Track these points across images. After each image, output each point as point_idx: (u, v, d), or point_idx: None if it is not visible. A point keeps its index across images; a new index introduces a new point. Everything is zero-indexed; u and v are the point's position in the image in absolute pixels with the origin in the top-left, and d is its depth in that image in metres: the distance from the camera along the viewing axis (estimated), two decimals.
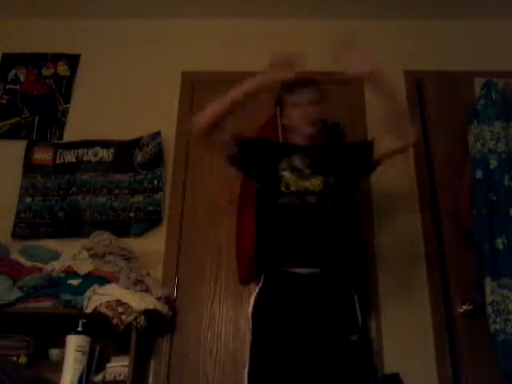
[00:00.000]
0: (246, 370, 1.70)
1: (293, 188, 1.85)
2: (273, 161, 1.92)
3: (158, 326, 2.18)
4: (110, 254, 2.22)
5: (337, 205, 1.86)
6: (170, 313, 2.21)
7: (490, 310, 2.07)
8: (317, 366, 1.67)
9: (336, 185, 1.88)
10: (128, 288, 2.07)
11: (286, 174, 1.87)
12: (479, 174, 2.25)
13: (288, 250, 1.80)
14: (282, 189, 1.85)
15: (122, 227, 2.46)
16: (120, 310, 1.98)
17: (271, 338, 1.71)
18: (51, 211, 2.52)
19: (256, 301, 1.80)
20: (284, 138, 2.14)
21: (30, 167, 2.63)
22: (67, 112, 2.77)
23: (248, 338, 1.77)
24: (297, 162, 1.91)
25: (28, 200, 2.55)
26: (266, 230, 1.89)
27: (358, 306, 1.78)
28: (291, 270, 1.77)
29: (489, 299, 2.08)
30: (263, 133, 2.47)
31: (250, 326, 1.77)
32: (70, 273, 2.12)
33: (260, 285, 1.82)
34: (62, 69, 2.87)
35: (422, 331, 2.26)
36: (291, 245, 1.80)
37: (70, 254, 2.19)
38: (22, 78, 2.86)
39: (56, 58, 2.90)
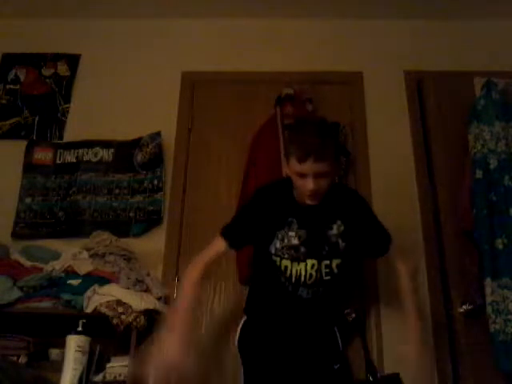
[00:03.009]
0: None
1: (286, 274, 1.76)
2: (265, 237, 1.77)
3: (158, 325, 2.18)
4: (110, 254, 2.21)
5: (336, 280, 1.80)
6: None
7: (489, 310, 2.07)
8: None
9: (341, 266, 1.78)
10: (128, 288, 2.07)
11: (277, 258, 1.75)
12: (479, 173, 2.25)
13: (275, 326, 1.83)
14: (281, 279, 1.78)
15: (122, 227, 2.46)
16: (120, 309, 1.98)
17: (261, 369, 1.77)
18: (51, 211, 2.52)
19: (240, 334, 1.87)
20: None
21: (30, 167, 2.63)
22: (67, 112, 2.77)
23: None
24: (291, 235, 1.75)
25: (28, 200, 2.55)
26: (259, 282, 1.91)
27: (340, 340, 1.87)
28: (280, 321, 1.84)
29: (489, 299, 2.08)
30: (263, 134, 2.48)
31: (239, 355, 1.86)
32: (70, 273, 2.13)
33: (243, 320, 1.89)
34: (62, 69, 2.87)
35: (422, 331, 2.25)
36: (279, 321, 1.83)
37: (70, 254, 2.19)
38: (22, 78, 2.86)
39: (56, 57, 2.90)
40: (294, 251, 1.75)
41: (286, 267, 1.75)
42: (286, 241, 1.75)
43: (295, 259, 1.74)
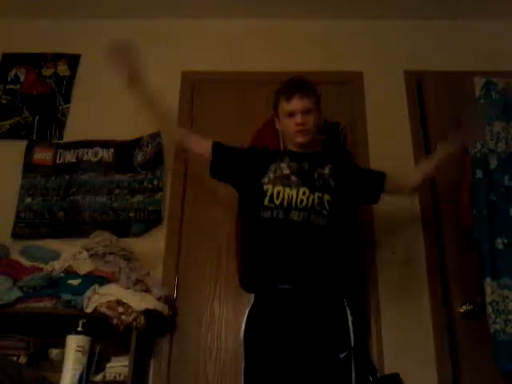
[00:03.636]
0: None
1: (277, 201, 1.80)
2: (257, 171, 1.88)
3: (158, 325, 2.18)
4: (110, 253, 2.22)
5: (330, 225, 1.80)
6: (170, 313, 2.21)
7: (489, 310, 2.07)
8: (303, 379, 1.66)
9: (332, 205, 1.82)
10: (128, 288, 2.07)
11: (269, 186, 1.83)
12: (479, 174, 2.25)
13: (273, 267, 1.77)
14: (266, 202, 1.81)
15: (121, 227, 2.46)
16: (120, 310, 1.98)
17: (263, 360, 1.70)
18: (51, 211, 2.52)
19: (247, 322, 1.79)
20: (282, 143, 2.12)
21: (30, 167, 2.63)
22: (67, 112, 2.77)
23: (241, 358, 1.77)
24: (284, 166, 1.88)
25: (28, 200, 2.55)
26: (250, 246, 1.87)
27: (350, 322, 1.75)
28: (280, 287, 1.74)
29: (489, 299, 2.08)
30: (262, 134, 2.48)
31: (243, 348, 1.77)
32: (70, 273, 2.13)
33: (250, 306, 1.81)
34: (62, 69, 2.87)
35: (422, 331, 2.26)
36: (276, 262, 1.77)
37: (70, 254, 2.19)
38: (22, 78, 2.86)
39: (56, 57, 2.89)
40: (285, 179, 1.84)
41: (278, 192, 1.82)
42: (278, 172, 1.86)
43: (287, 185, 1.83)
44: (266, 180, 1.85)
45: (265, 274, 1.78)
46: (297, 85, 1.94)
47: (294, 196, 1.81)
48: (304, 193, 1.81)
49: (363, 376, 1.87)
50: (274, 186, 1.83)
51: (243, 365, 1.75)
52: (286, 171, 1.86)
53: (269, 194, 1.82)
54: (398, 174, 2.07)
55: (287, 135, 1.98)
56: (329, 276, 1.78)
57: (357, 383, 1.70)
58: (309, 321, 1.71)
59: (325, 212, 1.81)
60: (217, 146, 2.00)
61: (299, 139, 1.91)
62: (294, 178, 1.85)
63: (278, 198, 1.81)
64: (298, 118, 1.88)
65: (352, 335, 1.73)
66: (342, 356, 1.69)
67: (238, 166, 1.98)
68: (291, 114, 1.90)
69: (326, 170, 1.89)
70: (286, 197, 1.81)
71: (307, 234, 1.79)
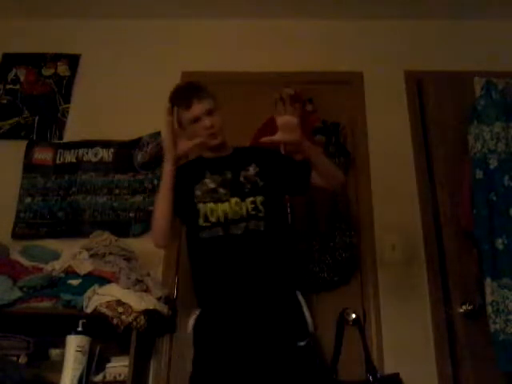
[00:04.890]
0: None
1: (212, 219, 1.79)
2: (186, 192, 1.85)
3: (158, 325, 2.18)
4: (110, 254, 2.21)
5: (269, 227, 1.78)
6: (170, 313, 2.20)
7: (490, 310, 2.07)
8: (262, 373, 1.64)
9: (266, 204, 1.80)
10: (128, 288, 2.06)
11: (200, 204, 1.81)
12: (479, 174, 2.25)
13: (222, 284, 1.76)
14: (201, 222, 1.79)
15: (121, 227, 2.46)
16: (120, 310, 1.98)
17: (213, 354, 1.70)
18: (51, 211, 2.52)
19: (197, 320, 1.81)
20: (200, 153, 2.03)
21: (30, 167, 2.63)
22: (67, 112, 2.77)
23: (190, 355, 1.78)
24: (207, 181, 1.84)
25: (28, 200, 2.55)
26: (196, 267, 1.87)
27: (306, 310, 1.74)
28: (230, 298, 1.74)
29: (489, 299, 2.08)
30: (263, 134, 2.47)
31: (192, 344, 1.79)
32: (70, 273, 2.12)
33: (200, 311, 1.83)
34: (62, 69, 2.87)
35: (422, 331, 2.26)
36: (224, 279, 1.76)
37: (70, 254, 2.19)
38: (22, 78, 2.86)
39: (56, 57, 2.89)
40: (213, 193, 1.81)
41: (212, 210, 1.79)
42: (204, 188, 1.83)
43: (218, 200, 1.80)
44: (196, 199, 1.82)
45: (214, 291, 1.79)
46: (190, 90, 1.90)
47: (228, 209, 1.79)
48: (236, 203, 1.80)
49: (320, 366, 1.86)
50: (205, 205, 1.81)
51: (192, 359, 1.76)
52: (212, 185, 1.84)
53: (202, 212, 1.80)
54: None
55: (201, 144, 1.90)
56: (276, 275, 1.77)
57: (320, 372, 1.73)
58: (259, 316, 1.70)
59: (261, 214, 1.79)
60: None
61: (214, 142, 1.88)
62: (221, 190, 1.82)
63: (212, 215, 1.79)
64: (207, 122, 1.84)
65: (309, 321, 1.73)
66: (301, 344, 1.68)
67: (176, 198, 1.87)
68: (196, 120, 1.85)
69: (251, 171, 1.86)
70: (220, 213, 1.79)
71: (248, 242, 1.77)
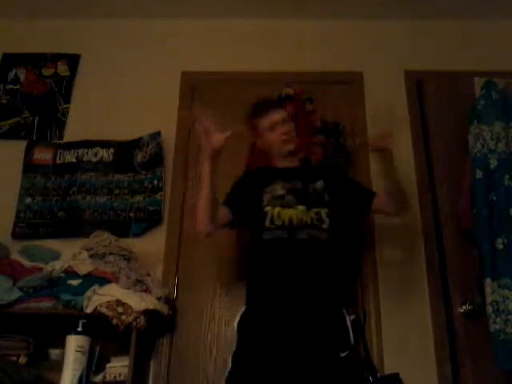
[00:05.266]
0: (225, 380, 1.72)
1: (278, 222, 1.84)
2: (255, 195, 1.92)
3: (158, 325, 2.18)
4: (110, 254, 2.22)
5: (331, 239, 1.83)
6: (170, 313, 2.21)
7: (490, 310, 2.07)
8: (301, 378, 1.65)
9: (331, 217, 1.86)
10: (128, 288, 2.07)
11: (269, 208, 1.87)
12: (479, 173, 2.25)
13: (279, 285, 1.78)
14: (267, 224, 1.84)
15: (121, 227, 2.46)
16: (120, 310, 1.98)
17: (255, 354, 1.71)
18: (51, 211, 2.52)
19: (241, 318, 1.81)
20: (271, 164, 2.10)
21: (30, 167, 2.63)
22: (67, 112, 2.77)
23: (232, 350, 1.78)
24: (278, 187, 1.92)
25: (28, 200, 2.55)
26: (253, 267, 1.90)
27: (349, 324, 1.77)
28: (283, 302, 1.76)
29: (489, 299, 2.08)
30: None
31: (236, 339, 1.79)
32: (70, 273, 2.12)
33: (246, 307, 1.83)
34: (62, 69, 2.87)
35: (422, 331, 2.26)
36: (282, 281, 1.78)
37: (70, 254, 2.19)
38: (22, 78, 2.86)
39: (56, 57, 2.90)
40: (282, 199, 1.88)
41: (278, 213, 1.85)
42: (273, 193, 1.91)
43: (285, 206, 1.87)
44: (264, 202, 1.89)
45: (266, 292, 1.80)
46: (267, 102, 2.10)
47: (294, 215, 1.84)
48: (302, 211, 1.85)
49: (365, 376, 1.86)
50: (273, 208, 1.87)
51: (232, 354, 1.76)
52: (281, 192, 1.90)
53: (269, 215, 1.86)
54: (380, 197, 2.03)
55: (274, 150, 2.03)
56: (331, 288, 1.80)
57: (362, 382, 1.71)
58: (306, 324, 1.72)
59: (324, 226, 1.85)
60: (228, 203, 1.96)
61: (287, 147, 1.99)
62: (289, 197, 1.89)
63: (279, 218, 1.85)
64: (283, 128, 1.98)
65: (351, 334, 1.74)
66: (342, 355, 1.69)
67: (242, 201, 1.97)
68: (272, 128, 1.99)
69: (319, 185, 1.94)
70: (286, 217, 1.84)
71: (310, 250, 1.82)
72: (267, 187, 1.92)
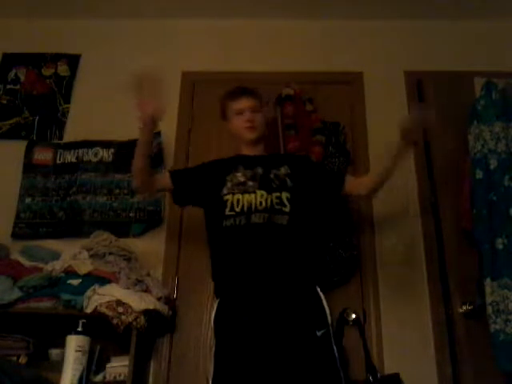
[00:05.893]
0: (211, 378, 1.72)
1: (237, 208, 1.85)
2: (216, 184, 1.94)
3: (158, 325, 2.18)
4: (110, 254, 2.22)
5: (293, 222, 1.83)
6: (170, 313, 2.21)
7: (490, 310, 2.07)
8: (280, 360, 1.66)
9: (292, 201, 1.86)
10: (128, 288, 2.07)
11: (229, 196, 1.88)
12: (479, 174, 2.25)
13: (241, 272, 1.80)
14: (226, 211, 1.86)
15: (121, 227, 2.46)
16: (120, 310, 1.98)
17: (233, 342, 1.72)
18: (51, 211, 2.52)
19: (216, 312, 1.82)
20: (237, 150, 2.14)
21: (30, 167, 2.63)
22: (67, 112, 2.77)
23: (212, 345, 1.81)
24: (239, 174, 1.94)
25: (28, 200, 2.55)
26: (217, 257, 1.91)
27: (325, 303, 1.78)
28: (249, 288, 1.78)
29: (489, 299, 2.08)
30: None
31: (213, 336, 1.81)
32: (70, 273, 2.12)
33: (218, 300, 1.85)
34: (62, 69, 2.87)
35: (422, 331, 2.26)
36: (243, 267, 1.80)
37: (70, 254, 2.19)
38: (22, 78, 2.86)
39: (56, 57, 2.90)
40: (242, 186, 1.90)
41: (238, 200, 1.87)
42: (234, 180, 1.93)
43: (245, 192, 1.88)
44: (225, 191, 1.91)
45: (234, 279, 1.82)
46: (242, 88, 2.09)
47: (253, 200, 1.86)
48: (262, 195, 1.87)
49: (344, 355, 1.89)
50: (233, 195, 1.89)
51: (213, 350, 1.77)
52: (242, 178, 1.93)
53: (229, 203, 1.88)
54: (353, 179, 2.08)
55: (237, 135, 2.07)
56: (296, 270, 1.81)
57: (340, 361, 1.71)
58: (278, 305, 1.73)
59: (285, 209, 1.85)
60: (174, 174, 2.08)
61: (248, 135, 2.02)
62: (250, 183, 1.91)
63: (237, 205, 1.86)
64: (247, 115, 2.01)
65: (328, 313, 1.76)
66: (319, 334, 1.70)
67: (197, 183, 2.04)
68: (239, 113, 2.03)
69: (282, 171, 1.95)
70: (245, 203, 1.86)
71: (269, 234, 1.82)
72: (229, 175, 1.95)
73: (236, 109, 2.04)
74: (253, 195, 1.87)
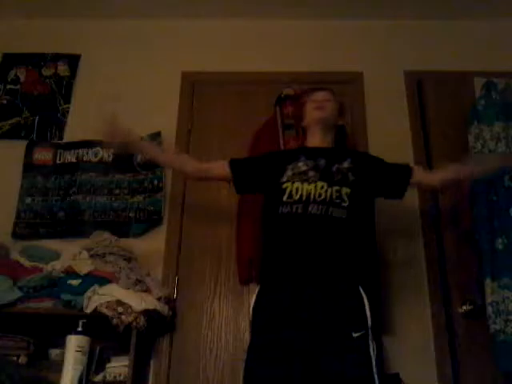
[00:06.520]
0: (244, 365, 1.69)
1: (296, 197, 1.84)
2: (276, 172, 1.93)
3: (158, 325, 2.18)
4: (110, 254, 2.21)
5: (350, 218, 1.81)
6: (170, 313, 2.21)
7: (489, 310, 2.07)
8: (314, 359, 1.63)
9: (352, 197, 1.84)
10: (128, 288, 2.07)
11: (288, 184, 1.87)
12: None
13: (292, 260, 1.78)
14: (284, 198, 1.85)
15: (122, 227, 2.46)
16: (120, 310, 1.98)
17: (270, 332, 1.69)
18: (51, 211, 2.52)
19: (257, 297, 1.79)
20: (302, 142, 2.16)
21: (30, 167, 2.63)
22: (67, 112, 2.77)
23: (247, 334, 1.78)
24: (300, 164, 1.92)
25: (28, 200, 2.55)
26: (270, 242, 1.89)
27: (367, 304, 1.73)
28: (296, 277, 1.75)
29: (489, 300, 2.08)
30: (262, 136, 2.49)
31: (250, 321, 1.78)
32: (70, 273, 2.12)
33: (260, 286, 1.82)
34: (62, 69, 2.87)
35: (422, 331, 2.26)
36: (295, 255, 1.78)
37: (70, 254, 2.19)
38: (22, 78, 2.86)
39: (56, 58, 2.90)
40: (303, 175, 1.88)
41: (297, 189, 1.85)
42: (295, 170, 1.91)
43: (305, 181, 1.86)
44: (284, 179, 1.89)
45: (281, 266, 1.80)
46: (320, 87, 2.13)
47: (313, 190, 1.83)
48: (322, 187, 1.84)
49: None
50: (292, 184, 1.87)
51: (250, 336, 1.76)
52: (304, 168, 1.90)
53: (288, 191, 1.85)
54: (422, 169, 2.11)
55: (308, 119, 2.08)
56: (346, 266, 1.78)
57: (377, 365, 1.67)
58: (319, 299, 1.70)
59: (344, 204, 1.82)
60: (234, 163, 2.06)
61: (316, 113, 2.03)
62: (311, 173, 1.88)
63: (296, 193, 1.84)
64: (319, 95, 2.07)
65: (368, 314, 1.71)
66: (355, 335, 1.66)
67: (258, 172, 2.04)
68: (313, 101, 2.07)
69: (345, 165, 1.92)
70: (304, 192, 1.83)
71: (326, 226, 1.80)
72: (290, 164, 1.93)
73: (312, 99, 2.08)
74: (313, 185, 1.84)
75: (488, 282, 2.10)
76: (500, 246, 2.13)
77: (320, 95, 2.08)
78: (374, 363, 1.65)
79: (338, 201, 1.82)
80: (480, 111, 2.35)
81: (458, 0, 2.77)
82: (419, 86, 2.70)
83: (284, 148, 2.42)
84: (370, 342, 1.68)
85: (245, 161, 2.16)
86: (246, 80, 2.77)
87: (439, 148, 2.52)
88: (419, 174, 2.03)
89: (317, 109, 2.04)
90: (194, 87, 2.79)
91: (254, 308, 1.79)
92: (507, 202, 2.19)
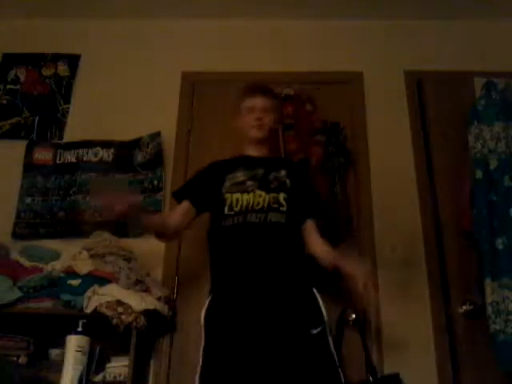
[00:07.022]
0: (198, 375, 1.72)
1: (236, 208, 1.87)
2: (217, 182, 1.96)
3: (158, 325, 2.18)
4: (110, 254, 2.21)
5: (290, 221, 1.86)
6: (170, 313, 2.21)
7: (490, 310, 2.07)
8: (271, 358, 1.66)
9: (289, 202, 1.89)
10: (128, 288, 2.07)
11: (228, 195, 1.91)
12: (479, 174, 2.25)
13: (236, 272, 1.81)
14: (226, 211, 1.88)
15: (121, 227, 2.46)
16: (120, 310, 1.98)
17: (224, 339, 1.71)
18: (51, 211, 2.52)
19: (209, 306, 1.83)
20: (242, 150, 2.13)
21: (30, 167, 2.63)
22: (67, 112, 2.77)
23: (201, 342, 1.79)
24: (239, 174, 1.95)
25: (28, 200, 2.55)
26: (214, 254, 1.92)
27: (320, 301, 1.78)
28: (245, 285, 1.78)
29: (489, 299, 2.08)
30: None
31: (203, 331, 1.80)
32: (70, 273, 2.12)
33: (212, 296, 1.85)
34: (62, 69, 2.87)
35: (422, 331, 2.26)
36: (238, 267, 1.81)
37: (70, 254, 2.19)
38: (22, 78, 2.86)
39: (56, 58, 2.90)
40: (241, 185, 1.92)
41: (237, 200, 1.89)
42: (234, 179, 1.95)
43: (244, 191, 1.90)
44: (223, 190, 1.94)
45: (228, 276, 1.83)
46: (259, 87, 2.10)
47: (251, 199, 1.88)
48: (260, 195, 1.89)
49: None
50: (231, 194, 1.91)
51: (202, 346, 1.77)
52: (242, 178, 1.95)
53: (228, 202, 1.90)
54: (310, 227, 1.96)
55: (244, 132, 2.07)
56: (290, 268, 1.82)
57: (339, 359, 1.72)
58: (272, 303, 1.73)
59: (282, 209, 1.87)
60: (178, 193, 2.07)
61: (254, 133, 2.02)
62: (249, 183, 1.93)
63: (237, 205, 1.88)
64: (257, 113, 2.01)
65: (324, 310, 1.76)
66: (314, 332, 1.70)
67: (203, 186, 2.04)
68: (250, 111, 2.03)
69: (282, 173, 1.97)
70: (244, 203, 1.88)
71: (265, 232, 1.84)
72: (229, 174, 1.97)
73: (248, 106, 2.04)
74: (252, 194, 1.89)
75: (488, 281, 2.10)
76: (500, 246, 2.13)
77: (259, 103, 2.03)
78: (336, 358, 1.70)
79: (275, 205, 1.87)
80: (480, 111, 2.35)
81: (458, 0, 2.77)
82: (419, 86, 2.70)
83: (284, 148, 2.43)
84: (329, 338, 1.73)
85: (188, 183, 2.14)
86: (245, 80, 2.75)
87: (439, 148, 2.52)
88: (307, 228, 1.95)
89: (255, 127, 2.01)
90: (194, 87, 2.79)
91: (205, 317, 1.82)
92: (507, 202, 2.19)
